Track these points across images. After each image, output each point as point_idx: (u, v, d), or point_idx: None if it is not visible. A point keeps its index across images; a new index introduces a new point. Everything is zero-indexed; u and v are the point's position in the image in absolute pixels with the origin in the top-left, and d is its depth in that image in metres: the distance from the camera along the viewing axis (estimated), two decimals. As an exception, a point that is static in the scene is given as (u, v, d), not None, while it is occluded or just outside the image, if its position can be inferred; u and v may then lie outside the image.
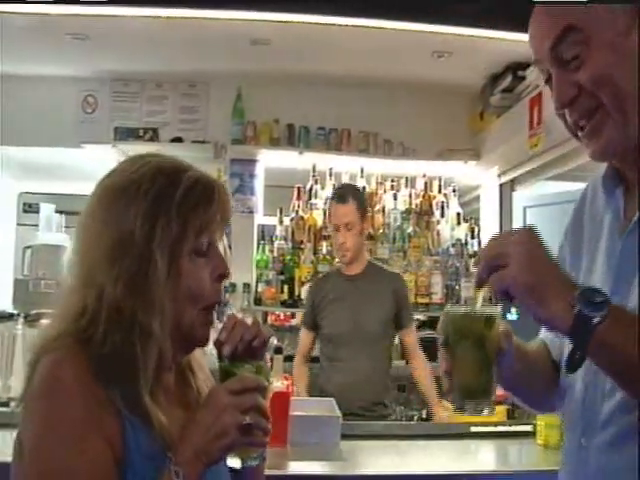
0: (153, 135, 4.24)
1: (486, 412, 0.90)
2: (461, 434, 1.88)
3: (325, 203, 3.98)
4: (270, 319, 4.38)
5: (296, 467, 1.54)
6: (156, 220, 0.95)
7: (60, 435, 0.87)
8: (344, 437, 1.77)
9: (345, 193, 2.88)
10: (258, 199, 4.18)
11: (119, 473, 0.89)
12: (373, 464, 1.79)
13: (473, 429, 1.90)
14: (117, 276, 0.94)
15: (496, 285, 0.83)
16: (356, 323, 2.78)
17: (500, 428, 1.96)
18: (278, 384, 1.71)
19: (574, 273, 1.08)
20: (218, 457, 0.92)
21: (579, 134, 0.98)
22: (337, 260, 3.53)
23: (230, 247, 3.58)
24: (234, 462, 0.95)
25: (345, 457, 1.69)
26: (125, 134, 4.22)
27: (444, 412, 2.71)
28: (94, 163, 4.29)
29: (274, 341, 2.64)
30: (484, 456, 1.93)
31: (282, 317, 4.72)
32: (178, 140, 4.21)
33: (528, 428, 1.69)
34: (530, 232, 0.86)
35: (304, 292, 3.73)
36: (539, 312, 0.81)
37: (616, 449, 0.89)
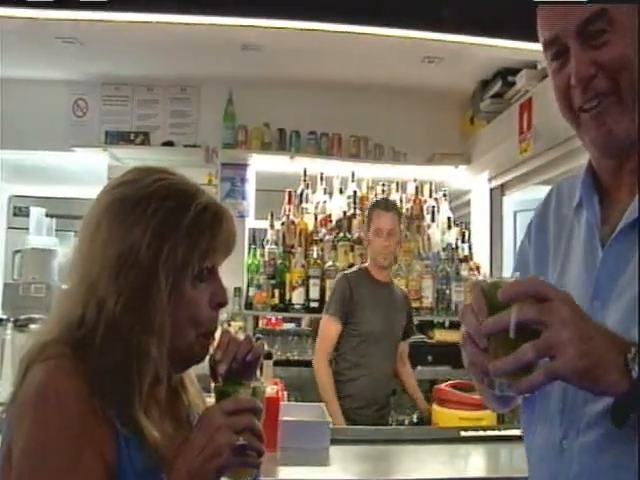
0: (144, 139, 4.23)
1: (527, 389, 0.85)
2: (451, 439, 1.88)
3: (316, 207, 4.01)
4: (261, 323, 4.37)
5: (286, 472, 1.54)
6: (163, 241, 0.96)
7: (53, 449, 0.86)
8: (334, 442, 1.77)
9: (389, 203, 3.18)
10: (249, 203, 4.18)
11: None
12: (363, 469, 1.80)
13: (463, 434, 1.91)
14: (119, 291, 0.94)
15: (546, 372, 0.78)
16: (388, 325, 2.99)
17: (490, 432, 1.95)
18: (268, 389, 1.71)
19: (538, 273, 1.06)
20: (211, 477, 0.91)
21: (581, 117, 0.96)
22: (362, 263, 3.52)
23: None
24: None
25: (335, 462, 1.69)
26: (116, 138, 4.22)
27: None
28: (85, 167, 4.29)
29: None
30: (474, 461, 1.94)
31: (273, 321, 4.72)
32: (169, 144, 4.21)
33: (518, 432, 1.68)
34: (572, 305, 0.79)
35: (295, 296, 3.74)
36: (593, 390, 0.79)
37: (604, 449, 0.88)
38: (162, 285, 0.95)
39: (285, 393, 2.07)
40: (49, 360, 0.91)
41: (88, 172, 4.11)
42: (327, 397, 2.78)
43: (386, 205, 3.12)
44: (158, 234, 0.96)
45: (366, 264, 3.18)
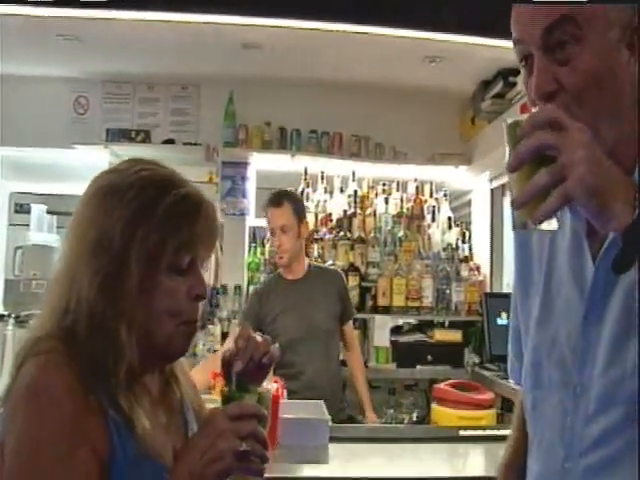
0: (145, 137, 4.23)
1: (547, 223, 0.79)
2: (450, 437, 1.88)
3: (317, 206, 4.01)
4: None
5: (284, 469, 1.54)
6: (135, 230, 0.95)
7: (45, 444, 0.87)
8: (333, 440, 1.78)
9: (280, 197, 2.92)
10: (249, 201, 4.17)
11: (105, 476, 0.89)
12: (361, 467, 1.80)
13: (462, 433, 1.90)
14: (93, 276, 0.95)
15: (559, 194, 0.76)
16: (308, 324, 2.81)
17: (489, 432, 1.95)
18: (268, 387, 1.71)
19: (522, 290, 1.05)
20: None
21: None
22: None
23: (221, 249, 3.59)
24: None
25: (333, 460, 1.69)
26: (117, 135, 4.22)
27: (373, 414, 2.80)
28: (86, 164, 4.28)
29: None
30: (473, 460, 1.94)
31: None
32: (170, 142, 4.20)
33: None
34: (588, 133, 0.78)
35: (247, 300, 3.70)
36: (599, 214, 0.77)
37: (612, 469, 0.87)
38: (133, 273, 0.94)
39: (285, 391, 2.07)
40: (40, 355, 0.91)
41: (89, 169, 4.00)
42: None
43: (276, 199, 2.91)
44: (132, 222, 0.95)
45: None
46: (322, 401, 2.00)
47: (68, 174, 4.51)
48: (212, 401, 1.63)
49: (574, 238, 0.97)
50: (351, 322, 3.03)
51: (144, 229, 0.95)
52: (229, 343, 1.13)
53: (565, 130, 0.77)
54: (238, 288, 3.91)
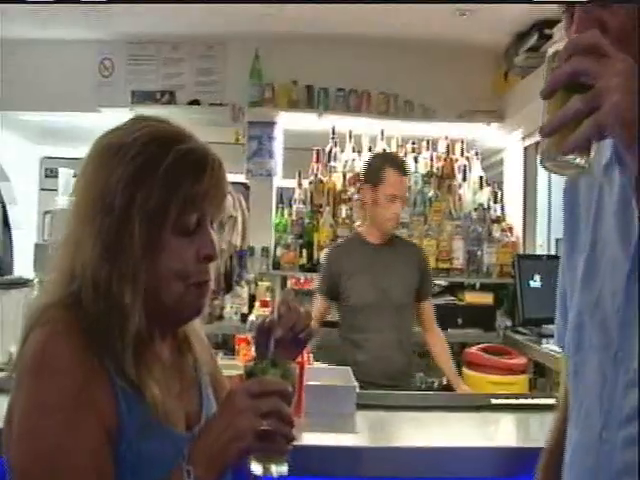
0: (170, 98, 4.20)
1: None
2: (481, 406, 1.82)
3: (345, 166, 3.94)
4: (289, 283, 4.37)
5: (310, 438, 1.51)
6: (137, 188, 0.91)
7: (50, 414, 0.85)
8: (360, 407, 1.74)
9: (405, 165, 2.82)
10: (276, 162, 4.12)
11: (113, 448, 0.88)
12: (389, 436, 1.76)
13: (494, 401, 1.84)
14: (95, 238, 0.91)
15: (591, 122, 0.71)
16: (384, 293, 2.70)
17: (522, 400, 1.88)
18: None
19: (569, 248, 1.02)
20: (233, 461, 0.89)
21: None
22: (357, 224, 3.49)
23: (248, 210, 3.55)
24: (256, 469, 0.91)
25: (360, 429, 1.64)
26: (142, 97, 4.19)
27: (465, 386, 2.68)
28: (112, 127, 4.27)
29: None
30: (504, 429, 1.86)
31: (302, 281, 4.72)
32: (195, 103, 4.16)
33: (551, 401, 1.63)
34: (631, 63, 0.72)
35: (323, 256, 3.70)
36: (632, 147, 0.72)
37: None
38: (136, 232, 0.91)
39: (311, 356, 2.04)
40: (46, 324, 0.89)
41: (115, 132, 4.09)
42: None
43: (404, 167, 2.79)
44: (133, 180, 0.92)
45: (360, 229, 2.96)
46: (349, 368, 1.96)
47: (94, 137, 4.51)
48: (235, 367, 1.61)
49: (622, 194, 0.91)
50: (429, 301, 2.88)
51: (146, 187, 0.91)
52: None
53: (606, 58, 0.72)
54: (265, 250, 3.90)
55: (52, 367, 0.86)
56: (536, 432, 1.68)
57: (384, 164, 2.75)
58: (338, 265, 2.79)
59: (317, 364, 2.11)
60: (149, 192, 0.91)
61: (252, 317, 2.06)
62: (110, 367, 0.89)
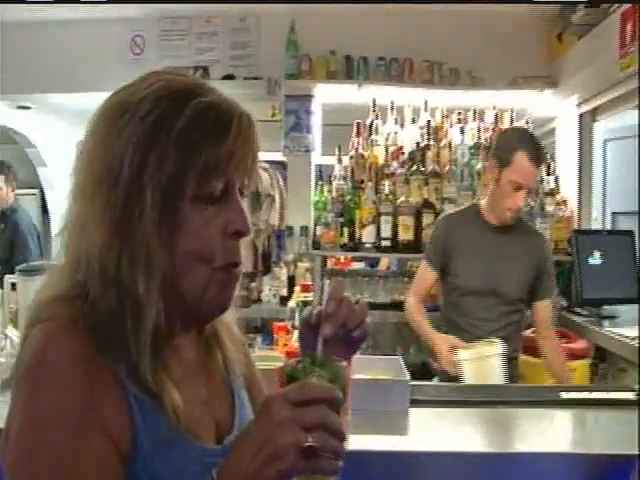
0: (203, 73, 4.08)
1: None
2: (549, 401, 1.60)
3: (387, 139, 3.76)
4: (330, 263, 4.23)
5: (356, 441, 1.32)
6: (149, 151, 0.77)
7: (49, 432, 0.71)
8: (414, 403, 1.54)
9: (542, 154, 2.49)
10: (315, 137, 3.96)
11: (125, 470, 0.73)
12: (447, 439, 1.49)
13: (564, 395, 1.62)
14: (102, 216, 0.77)
15: None
16: (493, 282, 2.43)
17: (596, 395, 1.64)
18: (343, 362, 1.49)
19: None
20: None
21: None
22: (477, 199, 3.07)
23: (286, 189, 3.40)
24: None
25: (413, 429, 1.44)
26: (175, 74, 4.06)
27: None
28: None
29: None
30: (579, 430, 1.62)
31: (342, 261, 4.58)
32: (230, 77, 4.02)
33: (630, 396, 1.41)
34: None
35: (365, 234, 3.54)
36: None
37: None
38: (147, 205, 0.76)
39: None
40: (47, 321, 0.75)
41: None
42: (423, 332, 2.43)
43: (538, 154, 2.40)
44: (144, 143, 0.77)
45: (481, 201, 2.62)
46: (400, 357, 1.76)
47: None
48: (274, 358, 1.45)
49: None
50: (547, 301, 2.52)
51: (159, 150, 0.76)
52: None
53: None
54: (304, 229, 3.76)
55: (52, 373, 0.72)
56: (618, 434, 1.44)
57: (517, 146, 2.38)
58: (451, 236, 2.52)
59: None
60: (163, 155, 0.76)
61: (292, 303, 1.90)
62: (121, 371, 0.75)
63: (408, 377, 1.60)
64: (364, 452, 1.25)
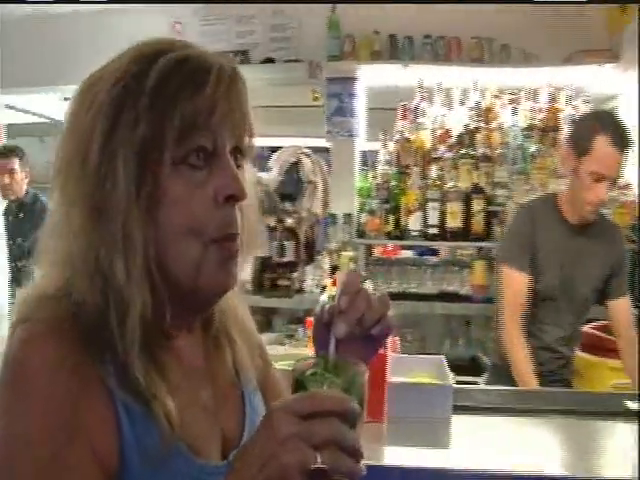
0: (244, 58, 4.01)
1: None
2: (612, 412, 1.40)
3: (434, 122, 3.60)
4: (376, 252, 4.09)
5: (391, 455, 1.18)
6: (119, 115, 0.68)
7: (28, 450, 0.62)
8: (457, 409, 1.37)
9: (628, 136, 2.15)
10: (358, 121, 3.83)
11: None
12: (496, 454, 1.30)
13: (631, 405, 1.41)
14: (81, 199, 0.69)
15: None
16: (570, 284, 2.22)
17: None
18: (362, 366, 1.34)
19: None
20: None
21: None
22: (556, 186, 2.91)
23: (329, 175, 3.26)
24: None
25: (456, 442, 1.27)
26: (215, 59, 4.01)
27: None
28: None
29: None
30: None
31: (389, 249, 4.44)
32: (270, 61, 3.95)
33: None
34: None
35: (412, 221, 3.39)
36: None
37: None
38: (119, 174, 0.67)
39: (397, 339, 1.73)
40: (31, 322, 0.67)
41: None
42: (521, 376, 2.07)
43: (623, 137, 2.11)
44: (114, 108, 0.68)
45: (559, 194, 2.32)
46: (443, 356, 1.59)
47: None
48: (296, 357, 1.32)
49: None
50: (624, 298, 2.28)
51: (129, 112, 0.68)
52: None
53: None
54: (348, 216, 3.64)
55: (32, 382, 0.64)
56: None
57: (596, 130, 2.11)
58: (536, 232, 2.23)
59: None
60: (134, 117, 0.68)
61: (323, 297, 1.76)
62: (109, 375, 0.66)
63: (451, 380, 1.43)
64: (395, 468, 1.10)
